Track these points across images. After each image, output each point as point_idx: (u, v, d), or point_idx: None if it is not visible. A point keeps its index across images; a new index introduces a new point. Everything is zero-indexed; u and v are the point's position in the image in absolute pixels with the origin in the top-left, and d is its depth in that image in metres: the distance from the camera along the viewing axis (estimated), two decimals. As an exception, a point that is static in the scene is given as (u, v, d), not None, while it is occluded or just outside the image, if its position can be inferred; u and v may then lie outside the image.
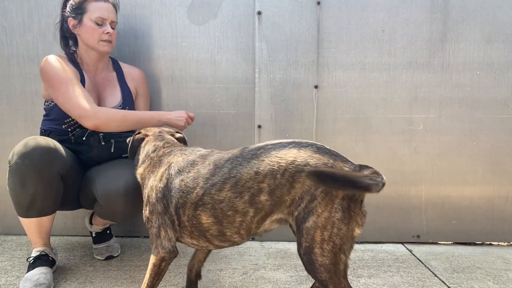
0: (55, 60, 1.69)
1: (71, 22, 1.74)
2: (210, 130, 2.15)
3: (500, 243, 2.25)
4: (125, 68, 1.94)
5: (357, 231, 1.15)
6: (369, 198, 2.17)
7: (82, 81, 1.75)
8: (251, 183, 1.16)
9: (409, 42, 2.10)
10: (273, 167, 1.14)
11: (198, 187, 1.22)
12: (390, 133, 2.15)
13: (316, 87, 2.13)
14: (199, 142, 2.15)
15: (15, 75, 2.11)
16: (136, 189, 1.60)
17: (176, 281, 1.68)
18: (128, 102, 1.86)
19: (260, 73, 2.12)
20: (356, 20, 2.09)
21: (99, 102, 1.81)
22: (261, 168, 1.15)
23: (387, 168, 2.17)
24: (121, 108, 1.82)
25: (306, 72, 2.12)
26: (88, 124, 1.63)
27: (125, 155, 1.85)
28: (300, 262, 1.90)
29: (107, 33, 1.73)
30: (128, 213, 1.63)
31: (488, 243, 2.24)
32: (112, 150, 1.80)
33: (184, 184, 1.25)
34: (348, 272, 1.78)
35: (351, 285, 1.64)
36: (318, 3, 2.08)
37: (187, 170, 1.27)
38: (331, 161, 1.15)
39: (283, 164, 1.14)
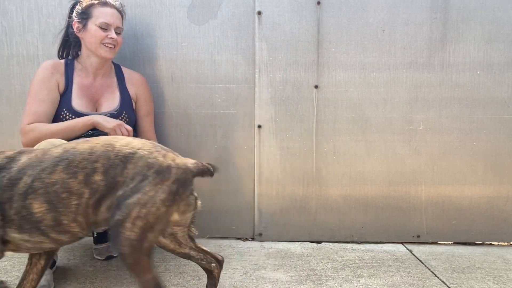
0: (44, 69, 1.76)
1: (75, 25, 1.76)
2: (210, 130, 2.15)
3: (500, 243, 2.25)
4: (127, 73, 1.94)
5: (176, 217, 1.23)
6: (369, 198, 2.18)
7: (69, 90, 1.78)
8: (84, 163, 1.17)
9: (409, 42, 2.10)
10: (107, 148, 1.20)
11: (26, 176, 1.17)
12: (390, 133, 2.15)
13: (316, 87, 2.13)
14: (199, 142, 2.16)
15: (15, 75, 2.11)
16: None
17: (176, 281, 1.68)
18: (126, 107, 1.87)
19: (260, 73, 2.12)
20: (356, 20, 2.09)
21: (97, 107, 1.83)
22: (95, 149, 1.19)
23: (387, 168, 2.17)
24: (117, 113, 1.82)
25: (306, 72, 2.12)
26: (22, 141, 1.71)
27: None
28: (300, 262, 1.90)
29: (110, 37, 1.74)
30: None
31: (488, 243, 2.24)
32: None
33: (7, 179, 1.17)
34: (348, 272, 1.79)
35: (351, 285, 1.65)
36: (318, 3, 2.08)
37: (7, 167, 1.20)
38: (163, 151, 1.25)
39: (117, 145, 1.20)
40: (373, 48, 2.11)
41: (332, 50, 2.11)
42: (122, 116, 1.83)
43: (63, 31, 1.86)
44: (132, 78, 1.93)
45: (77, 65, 1.83)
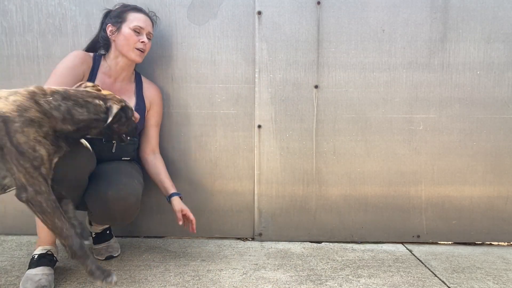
0: (75, 56, 1.79)
1: (109, 28, 1.82)
2: (210, 130, 2.15)
3: (500, 243, 2.25)
4: (145, 82, 1.99)
5: None
6: (369, 198, 2.18)
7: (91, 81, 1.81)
8: None
9: (409, 42, 2.10)
10: None
11: None
12: (390, 133, 2.15)
13: (316, 87, 2.13)
14: (199, 142, 2.16)
15: (15, 75, 2.10)
16: (125, 197, 1.61)
17: (176, 281, 1.68)
18: (139, 114, 1.88)
19: (260, 73, 2.12)
20: (356, 20, 2.09)
21: None
22: None
23: (387, 168, 2.17)
24: None
25: (306, 72, 2.12)
26: None
27: (126, 158, 1.85)
28: (300, 262, 1.90)
29: (142, 41, 1.81)
30: (114, 222, 1.65)
31: (488, 243, 2.24)
32: (113, 151, 1.80)
33: None
34: (348, 272, 1.79)
35: (351, 285, 1.65)
36: (318, 3, 2.08)
37: None
38: None
39: None
40: (373, 48, 2.11)
41: (332, 50, 2.11)
42: None
43: (95, 36, 1.92)
44: (149, 88, 1.98)
45: (103, 63, 1.87)
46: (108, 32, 1.83)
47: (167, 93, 2.13)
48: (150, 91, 1.98)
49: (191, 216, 1.85)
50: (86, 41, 2.07)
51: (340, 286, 1.66)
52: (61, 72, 1.74)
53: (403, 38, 2.10)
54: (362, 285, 1.67)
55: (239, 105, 2.14)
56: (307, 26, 2.09)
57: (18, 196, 1.30)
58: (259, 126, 2.15)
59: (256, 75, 2.12)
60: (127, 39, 1.79)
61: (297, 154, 2.16)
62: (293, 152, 2.16)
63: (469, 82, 2.13)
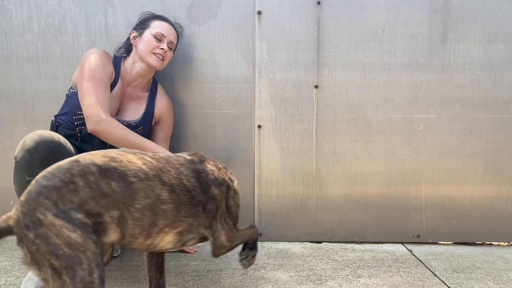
0: (102, 55, 1.76)
1: (133, 34, 1.86)
2: (210, 130, 2.15)
3: (500, 243, 2.25)
4: (159, 94, 1.98)
5: None
6: (369, 198, 2.18)
7: (114, 84, 1.80)
8: None
9: (409, 42, 2.10)
10: None
11: None
12: (390, 133, 2.15)
13: (316, 87, 2.13)
14: (199, 142, 2.15)
15: (14, 75, 2.10)
16: None
17: (176, 281, 1.68)
18: (145, 122, 1.89)
19: (260, 73, 2.12)
20: (356, 20, 2.09)
21: (118, 112, 1.84)
22: None
23: (387, 168, 2.17)
24: (135, 125, 1.84)
25: (306, 72, 2.12)
26: (89, 126, 1.66)
27: None
28: (300, 262, 1.90)
29: (161, 48, 1.81)
30: None
31: (488, 243, 2.24)
32: None
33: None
34: (348, 272, 1.79)
35: (351, 285, 1.65)
36: (318, 3, 2.08)
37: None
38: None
39: None
40: (373, 48, 2.10)
41: (332, 50, 2.11)
42: (138, 129, 1.85)
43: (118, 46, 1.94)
44: (161, 99, 1.97)
45: (121, 66, 1.86)
46: (131, 37, 1.86)
47: (167, 93, 2.12)
48: (162, 102, 1.96)
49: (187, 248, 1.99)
50: (86, 41, 2.08)
51: (340, 286, 1.66)
52: (99, 74, 1.71)
53: (403, 38, 2.10)
54: (362, 285, 1.67)
55: (239, 105, 2.14)
56: (307, 26, 2.09)
57: (215, 254, 1.42)
58: (259, 126, 2.15)
59: (256, 75, 2.12)
60: (146, 43, 1.80)
61: (297, 154, 2.16)
62: (293, 152, 2.16)
63: (469, 82, 2.13)
